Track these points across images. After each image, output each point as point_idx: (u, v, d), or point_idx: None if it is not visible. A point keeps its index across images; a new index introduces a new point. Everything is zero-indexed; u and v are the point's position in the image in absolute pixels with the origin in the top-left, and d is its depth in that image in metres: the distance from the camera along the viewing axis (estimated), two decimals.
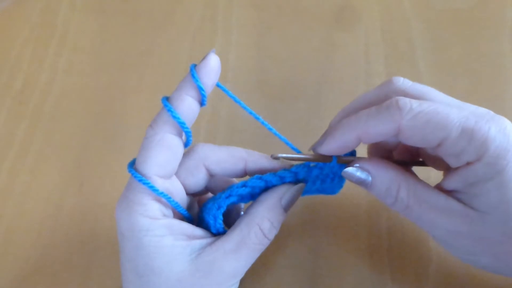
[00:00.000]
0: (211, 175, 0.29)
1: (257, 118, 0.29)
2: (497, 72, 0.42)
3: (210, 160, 0.29)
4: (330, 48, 0.45)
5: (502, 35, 0.45)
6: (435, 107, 0.25)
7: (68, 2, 0.50)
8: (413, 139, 0.26)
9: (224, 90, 0.28)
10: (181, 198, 0.28)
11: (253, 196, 0.29)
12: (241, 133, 0.40)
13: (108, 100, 0.44)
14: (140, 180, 0.26)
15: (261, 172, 0.29)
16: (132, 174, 0.26)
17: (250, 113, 0.29)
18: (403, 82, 0.28)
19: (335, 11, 0.48)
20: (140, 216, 0.26)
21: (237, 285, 0.29)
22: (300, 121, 0.41)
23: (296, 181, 0.29)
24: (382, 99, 0.28)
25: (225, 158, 0.29)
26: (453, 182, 0.26)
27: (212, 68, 0.26)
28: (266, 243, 0.28)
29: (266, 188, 0.29)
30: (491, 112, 0.26)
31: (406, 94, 0.27)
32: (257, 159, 0.29)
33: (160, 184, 0.26)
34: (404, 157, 0.32)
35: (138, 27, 0.48)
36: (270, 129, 0.29)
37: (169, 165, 0.27)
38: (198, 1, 0.49)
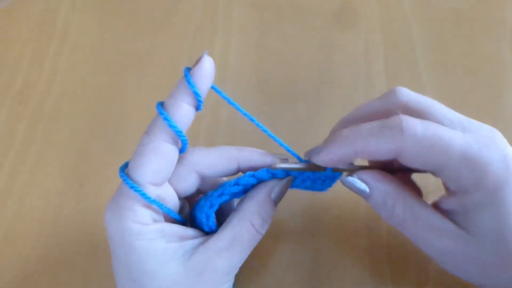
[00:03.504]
0: (202, 178, 0.29)
1: (252, 120, 0.28)
2: (497, 72, 0.42)
3: (202, 165, 0.28)
4: (330, 48, 0.45)
5: (502, 35, 0.44)
6: (439, 133, 0.24)
7: (68, 2, 0.50)
8: (412, 162, 0.25)
9: (219, 93, 0.28)
10: (173, 203, 0.28)
11: (246, 192, 0.29)
12: (241, 134, 0.40)
13: (108, 100, 0.44)
14: (132, 187, 0.25)
15: (255, 168, 0.28)
16: (124, 180, 0.26)
17: (245, 114, 0.28)
18: (406, 94, 0.27)
19: (335, 11, 0.48)
20: (131, 222, 0.25)
21: (233, 280, 0.29)
22: (300, 121, 0.41)
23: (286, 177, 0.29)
24: (385, 112, 0.27)
25: (216, 162, 0.28)
26: (450, 203, 0.26)
27: (207, 72, 0.26)
28: (258, 238, 0.28)
29: (258, 184, 0.29)
30: (495, 133, 0.25)
31: (409, 108, 0.27)
32: (249, 157, 0.29)
33: (152, 191, 0.26)
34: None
35: (138, 27, 0.48)
36: (265, 131, 0.28)
37: (162, 173, 0.26)
38: (198, 1, 0.49)
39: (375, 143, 0.25)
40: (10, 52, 0.47)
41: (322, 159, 0.27)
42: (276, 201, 0.28)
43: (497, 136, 0.25)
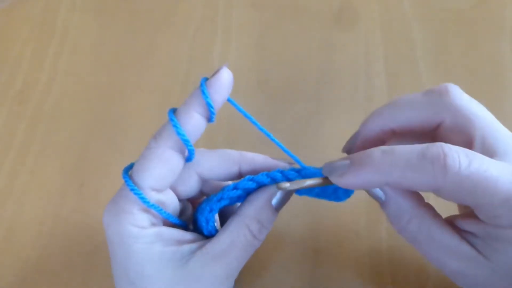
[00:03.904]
0: (204, 180, 0.29)
1: (267, 134, 0.28)
2: (497, 72, 0.42)
3: (202, 167, 0.28)
4: (330, 48, 0.45)
5: (502, 35, 0.45)
6: (484, 170, 0.22)
7: (68, 2, 0.50)
8: (449, 198, 0.23)
9: (235, 106, 0.27)
10: (173, 207, 0.28)
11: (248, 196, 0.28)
12: (241, 134, 0.40)
13: (108, 100, 0.44)
14: (132, 190, 0.25)
15: (256, 172, 0.28)
16: (126, 182, 0.25)
17: (261, 129, 0.27)
18: (459, 98, 0.26)
19: (335, 11, 0.48)
20: (129, 225, 0.25)
21: (232, 285, 0.28)
22: (300, 121, 0.41)
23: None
24: (430, 115, 0.26)
25: (217, 164, 0.28)
26: (471, 227, 0.25)
27: (223, 84, 0.25)
28: (256, 244, 0.27)
29: (259, 188, 0.28)
30: None
31: (458, 115, 0.25)
32: (251, 161, 0.28)
33: (153, 195, 0.26)
34: None
35: (138, 27, 0.48)
36: (277, 143, 0.28)
37: (165, 180, 0.26)
38: (198, 1, 0.49)
39: (412, 177, 0.22)
40: (10, 52, 0.47)
41: (346, 183, 0.24)
42: (278, 208, 0.27)
43: None
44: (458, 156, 0.22)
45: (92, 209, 0.38)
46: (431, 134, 0.28)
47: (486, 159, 0.22)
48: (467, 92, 0.40)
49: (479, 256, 0.24)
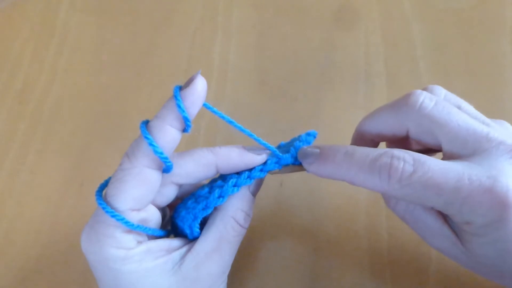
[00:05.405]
0: (180, 186, 0.28)
1: (245, 132, 0.27)
2: (497, 72, 0.42)
3: (179, 176, 0.27)
4: (330, 48, 0.45)
5: (502, 35, 0.44)
6: (428, 178, 0.23)
7: (68, 2, 0.50)
8: (400, 199, 0.26)
9: (211, 109, 0.26)
10: (156, 220, 0.27)
11: None
12: (241, 132, 0.40)
13: (108, 100, 0.44)
14: (113, 216, 0.24)
15: (234, 169, 0.28)
16: (103, 208, 0.24)
17: (239, 128, 0.27)
18: (421, 106, 0.26)
19: (335, 11, 0.48)
20: (114, 249, 0.24)
21: (226, 280, 0.29)
22: (300, 121, 0.41)
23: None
24: (397, 124, 0.27)
25: (193, 169, 0.27)
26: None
27: (199, 95, 0.24)
28: (243, 232, 0.28)
29: None
30: (507, 163, 0.24)
31: (420, 123, 0.26)
32: (226, 158, 0.27)
33: (134, 216, 0.25)
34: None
35: (138, 27, 0.48)
36: (257, 140, 0.28)
37: (145, 199, 0.25)
38: (198, 1, 0.49)
39: (363, 180, 0.25)
40: (10, 52, 0.47)
41: (313, 171, 0.27)
42: (255, 193, 0.29)
43: (503, 166, 0.23)
44: (403, 166, 0.24)
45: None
46: (404, 139, 0.29)
47: (433, 165, 0.24)
48: (467, 92, 0.40)
49: (458, 241, 0.25)
